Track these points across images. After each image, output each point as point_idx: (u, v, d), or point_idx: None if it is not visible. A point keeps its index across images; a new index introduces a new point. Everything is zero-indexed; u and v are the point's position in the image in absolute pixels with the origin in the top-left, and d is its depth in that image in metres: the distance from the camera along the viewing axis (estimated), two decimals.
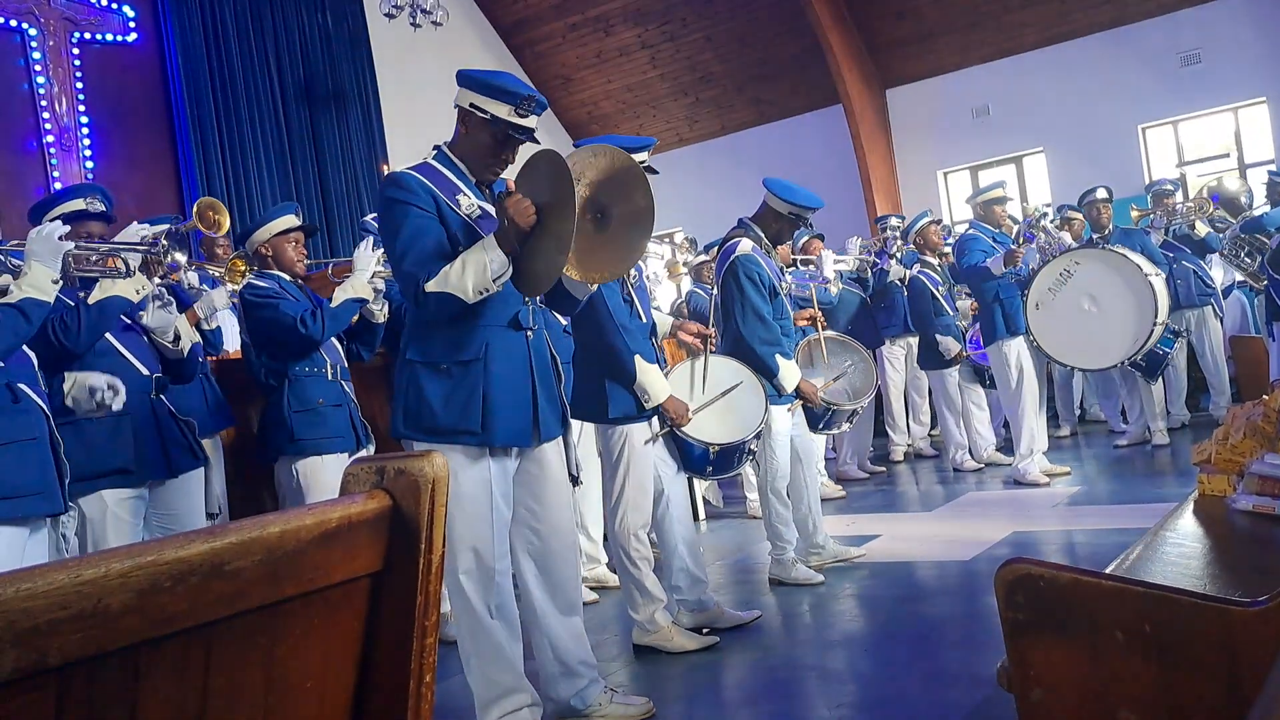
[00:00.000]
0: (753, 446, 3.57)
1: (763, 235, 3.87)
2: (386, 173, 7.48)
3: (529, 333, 2.49)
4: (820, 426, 4.17)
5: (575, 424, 2.80)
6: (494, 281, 2.29)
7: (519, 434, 2.45)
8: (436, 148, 2.53)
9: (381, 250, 3.49)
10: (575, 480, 2.67)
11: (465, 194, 2.46)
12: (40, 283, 2.39)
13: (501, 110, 2.41)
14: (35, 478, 2.33)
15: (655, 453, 3.31)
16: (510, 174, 2.52)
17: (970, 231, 5.60)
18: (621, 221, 2.39)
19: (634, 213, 2.37)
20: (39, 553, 2.39)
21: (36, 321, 2.40)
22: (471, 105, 2.43)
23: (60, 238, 2.47)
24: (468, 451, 2.40)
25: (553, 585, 2.58)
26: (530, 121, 2.44)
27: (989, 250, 5.38)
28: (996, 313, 5.38)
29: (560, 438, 2.60)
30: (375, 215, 5.74)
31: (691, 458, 3.44)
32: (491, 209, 2.47)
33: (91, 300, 2.75)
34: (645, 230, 2.40)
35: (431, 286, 2.30)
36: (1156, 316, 4.92)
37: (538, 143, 2.50)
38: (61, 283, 2.47)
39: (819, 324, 4.28)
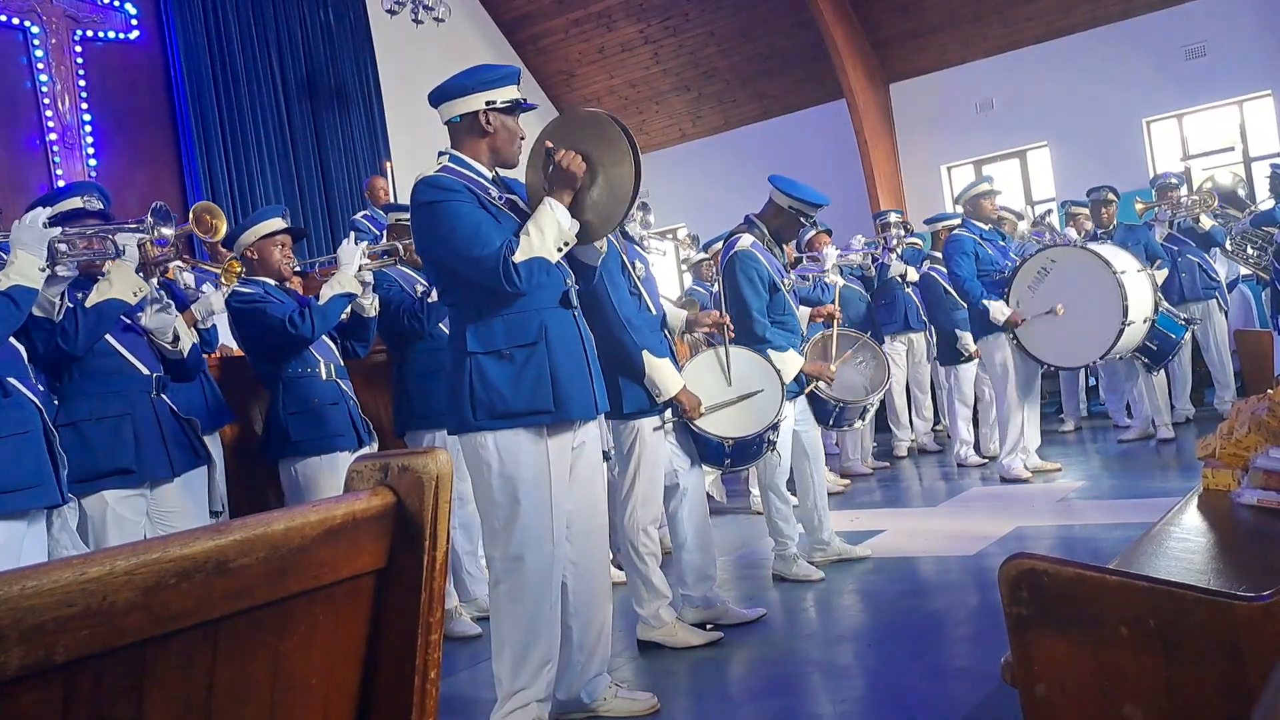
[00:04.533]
0: (771, 437, 3.57)
1: (766, 231, 3.88)
2: (390, 171, 7.49)
3: (575, 311, 2.58)
4: (831, 423, 4.16)
5: None
6: (570, 232, 2.44)
7: (586, 407, 2.53)
8: (446, 153, 2.58)
9: (365, 244, 3.49)
10: (606, 456, 2.72)
11: (490, 188, 2.53)
12: (27, 270, 2.38)
13: (512, 92, 2.56)
14: (30, 471, 2.32)
15: (671, 446, 3.31)
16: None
17: (957, 232, 5.56)
18: (607, 174, 2.51)
19: (618, 162, 2.50)
20: (37, 546, 2.38)
21: (26, 309, 2.39)
22: (488, 103, 2.53)
23: (45, 224, 2.46)
24: (531, 434, 2.45)
25: (586, 567, 2.60)
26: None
27: (972, 253, 5.37)
28: (982, 310, 5.39)
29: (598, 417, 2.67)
30: (364, 214, 5.74)
31: (708, 451, 3.45)
32: (514, 199, 2.58)
33: (89, 303, 2.73)
34: (634, 176, 2.50)
35: (519, 257, 2.38)
36: (1126, 316, 4.86)
37: (535, 107, 2.71)
38: (48, 271, 2.46)
39: (835, 319, 4.28)
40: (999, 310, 5.18)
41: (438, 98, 2.57)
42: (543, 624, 2.46)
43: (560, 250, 2.44)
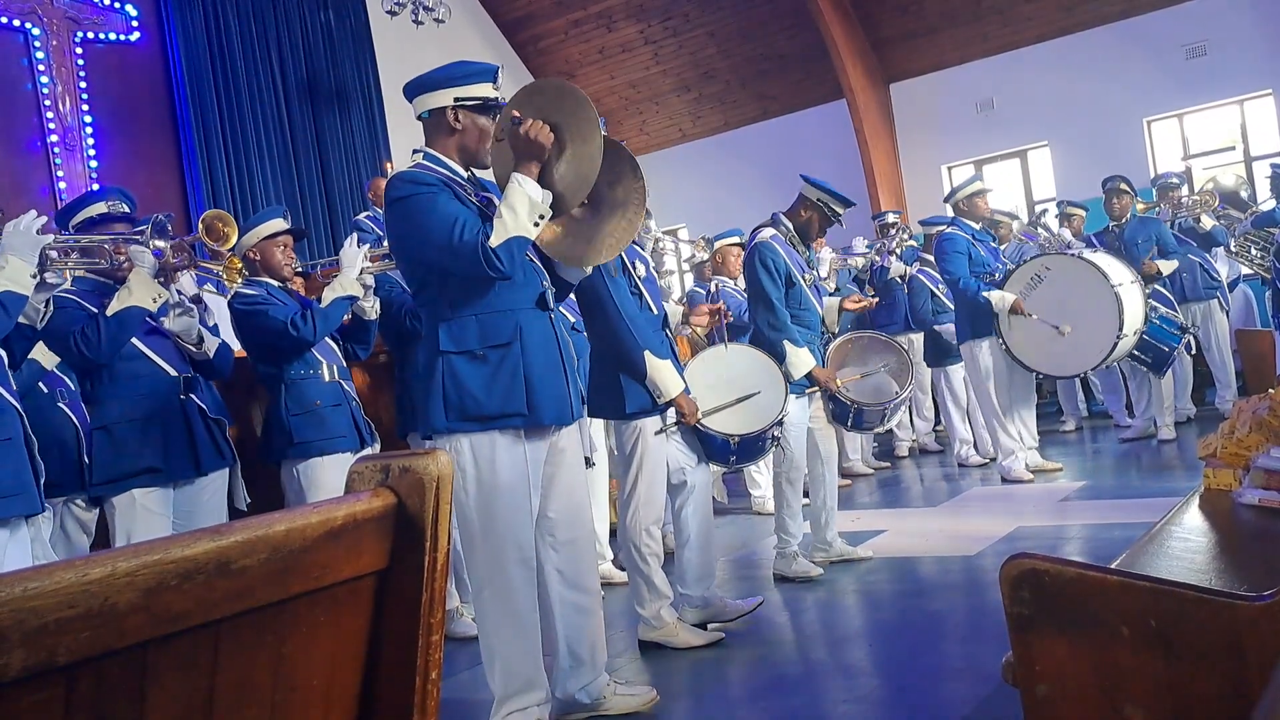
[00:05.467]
0: (775, 434, 3.57)
1: (790, 226, 3.94)
2: (390, 172, 7.48)
3: (552, 314, 2.54)
4: (850, 425, 4.17)
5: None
6: (544, 204, 2.37)
7: (561, 411, 2.49)
8: (420, 151, 2.54)
9: (368, 247, 3.48)
10: (588, 462, 2.70)
11: (464, 186, 2.50)
12: (18, 276, 2.38)
13: (487, 89, 2.50)
14: (10, 479, 2.32)
15: (676, 445, 3.31)
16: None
17: (949, 231, 5.51)
18: (614, 203, 2.47)
19: (586, 138, 2.43)
20: (20, 554, 2.37)
21: (15, 315, 2.39)
22: (457, 100, 2.47)
23: (38, 231, 2.46)
24: (507, 438, 2.42)
25: (572, 575, 2.58)
26: (500, 92, 2.56)
27: (966, 252, 5.35)
28: (966, 314, 5.36)
29: (576, 422, 2.64)
30: (367, 215, 5.75)
31: (713, 448, 3.45)
32: (489, 197, 2.54)
33: (110, 312, 2.76)
34: (639, 208, 2.49)
35: (495, 240, 2.32)
36: (1121, 329, 4.85)
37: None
38: (38, 277, 2.46)
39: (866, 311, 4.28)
40: (1000, 299, 5.14)
41: (410, 92, 2.53)
42: (530, 628, 2.45)
43: (537, 225, 2.36)
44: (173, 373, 3.00)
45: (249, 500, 3.32)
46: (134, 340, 2.90)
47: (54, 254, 2.57)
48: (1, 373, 2.44)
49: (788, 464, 3.86)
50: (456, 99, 2.47)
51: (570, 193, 2.44)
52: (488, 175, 2.65)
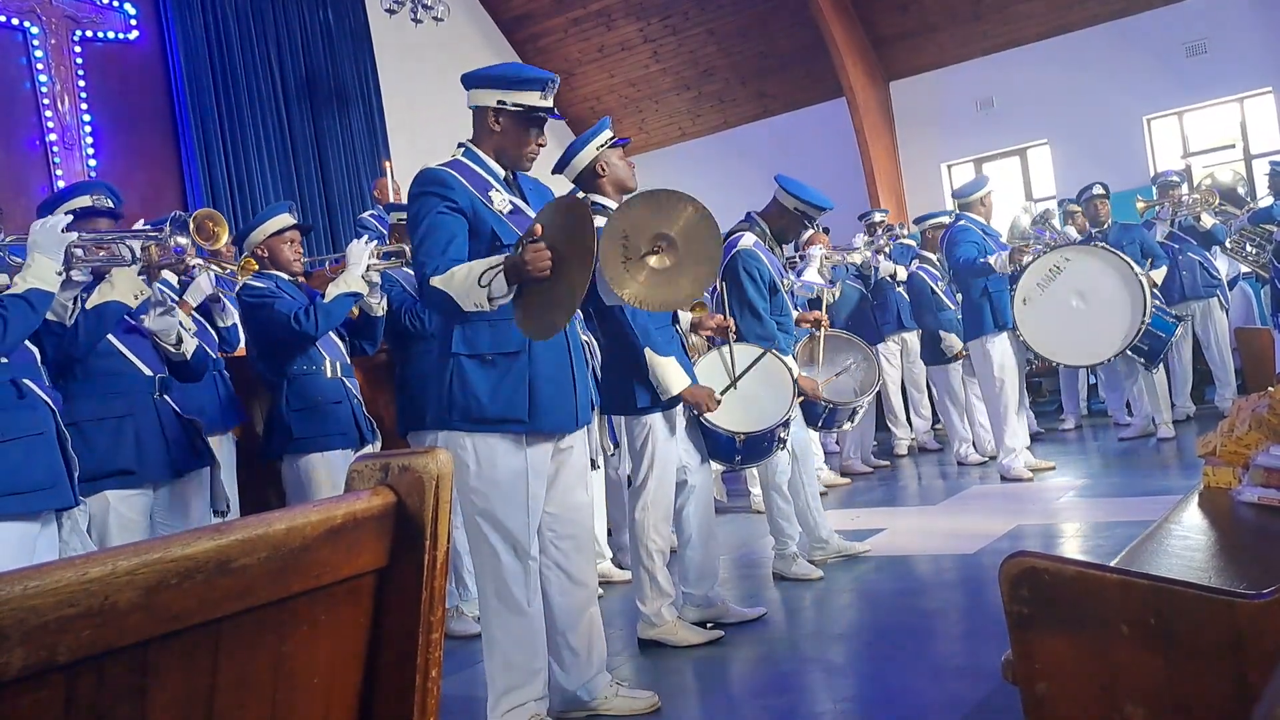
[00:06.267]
0: (782, 435, 3.56)
1: (768, 230, 3.87)
2: (390, 171, 7.48)
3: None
4: (820, 424, 4.16)
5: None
6: (490, 301, 2.29)
7: (562, 420, 2.51)
8: (463, 145, 2.56)
9: (375, 244, 3.52)
10: (593, 464, 2.70)
11: (497, 189, 2.51)
12: (44, 274, 2.41)
13: (532, 98, 2.48)
14: (43, 472, 2.35)
15: (681, 444, 3.31)
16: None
17: (960, 224, 5.51)
18: (684, 266, 2.47)
19: (698, 265, 2.47)
20: (49, 548, 2.41)
21: (42, 311, 2.42)
22: (499, 102, 2.48)
23: (63, 229, 2.48)
24: (508, 441, 2.44)
25: (572, 571, 2.60)
26: (551, 101, 2.52)
27: (979, 243, 5.34)
28: (984, 308, 5.35)
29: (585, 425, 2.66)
30: (371, 213, 5.76)
31: (718, 446, 3.44)
32: (520, 203, 2.54)
33: (89, 305, 2.75)
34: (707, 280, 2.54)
35: (436, 282, 2.34)
36: (1144, 315, 4.92)
37: (560, 118, 2.57)
38: (64, 274, 2.48)
39: (823, 325, 4.27)
40: (999, 259, 5.14)
41: (465, 83, 2.55)
42: (530, 624, 2.47)
43: (475, 308, 2.30)
44: (148, 372, 2.97)
45: (229, 500, 3.31)
46: (110, 338, 2.87)
47: (79, 252, 2.59)
48: (33, 369, 2.46)
49: (772, 468, 3.85)
50: (499, 101, 2.47)
51: (529, 319, 2.33)
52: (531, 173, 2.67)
